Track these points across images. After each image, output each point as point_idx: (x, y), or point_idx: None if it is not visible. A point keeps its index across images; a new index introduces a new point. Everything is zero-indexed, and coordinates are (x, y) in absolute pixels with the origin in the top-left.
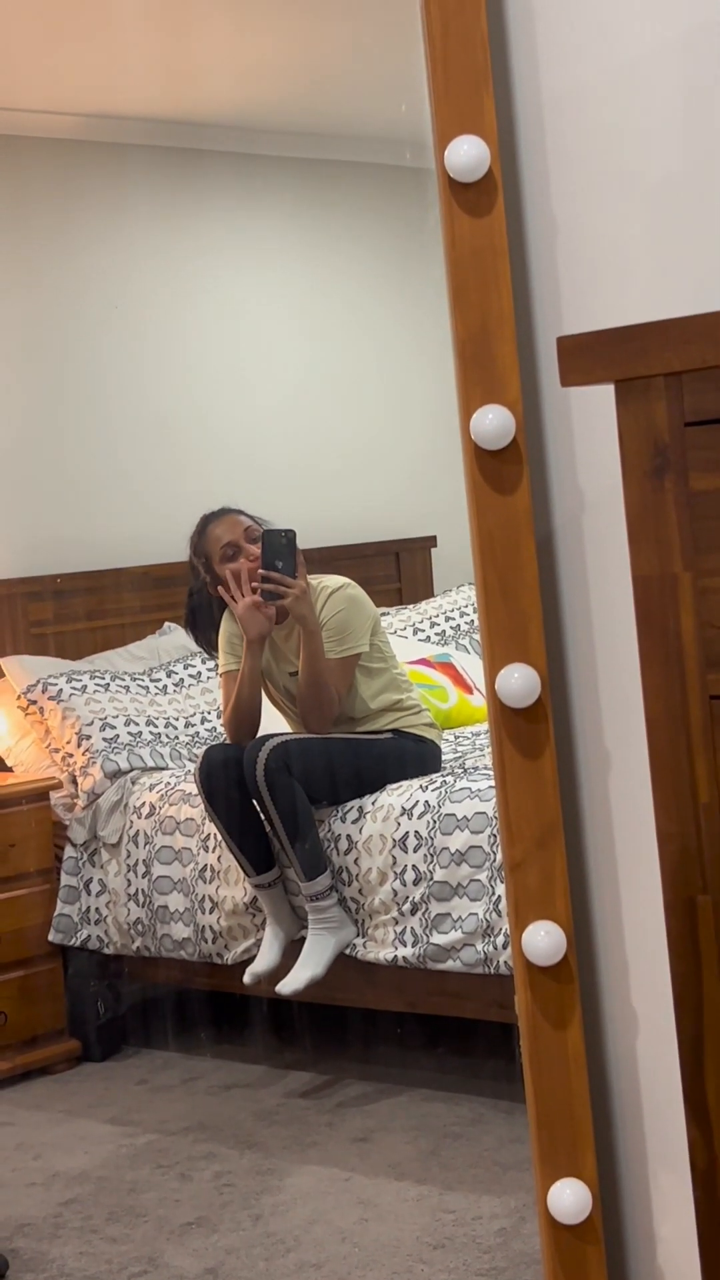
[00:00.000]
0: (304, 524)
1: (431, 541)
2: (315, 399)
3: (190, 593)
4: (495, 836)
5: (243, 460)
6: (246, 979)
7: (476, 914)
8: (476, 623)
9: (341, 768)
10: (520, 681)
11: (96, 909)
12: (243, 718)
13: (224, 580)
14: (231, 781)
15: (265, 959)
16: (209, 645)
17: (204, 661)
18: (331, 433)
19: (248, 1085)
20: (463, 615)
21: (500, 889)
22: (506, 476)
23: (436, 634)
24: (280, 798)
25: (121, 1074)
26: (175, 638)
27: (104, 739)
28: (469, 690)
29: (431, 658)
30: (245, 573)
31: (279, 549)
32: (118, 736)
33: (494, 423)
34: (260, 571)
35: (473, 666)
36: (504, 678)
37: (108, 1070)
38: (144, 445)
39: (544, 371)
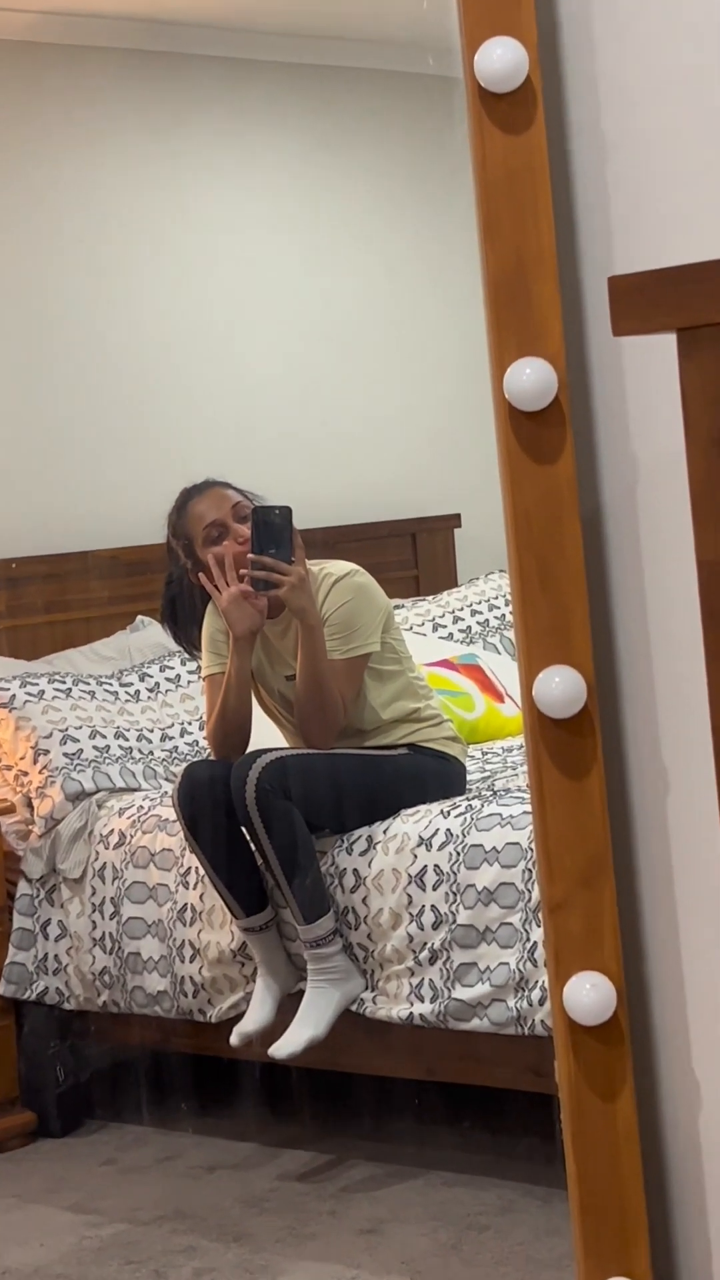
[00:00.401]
0: (304, 499)
1: (455, 520)
2: (318, 350)
3: (168, 581)
4: (531, 872)
5: (231, 424)
6: (234, 1040)
7: (508, 964)
8: (509, 617)
9: (347, 789)
10: (562, 687)
11: (55, 956)
12: (230, 730)
13: (207, 566)
14: (217, 805)
15: (256, 1016)
16: (190, 643)
17: (184, 663)
18: (337, 391)
19: (235, 1166)
20: (493, 608)
21: (537, 934)
22: (547, 442)
23: (461, 630)
24: (275, 825)
25: (84, 1152)
26: (150, 634)
27: (65, 754)
28: (499, 698)
29: (455, 659)
30: (231, 557)
31: (272, 529)
32: (81, 751)
33: (532, 379)
34: (250, 556)
35: (504, 669)
36: (543, 683)
37: (68, 1147)
38: (113, 406)
39: (591, 318)
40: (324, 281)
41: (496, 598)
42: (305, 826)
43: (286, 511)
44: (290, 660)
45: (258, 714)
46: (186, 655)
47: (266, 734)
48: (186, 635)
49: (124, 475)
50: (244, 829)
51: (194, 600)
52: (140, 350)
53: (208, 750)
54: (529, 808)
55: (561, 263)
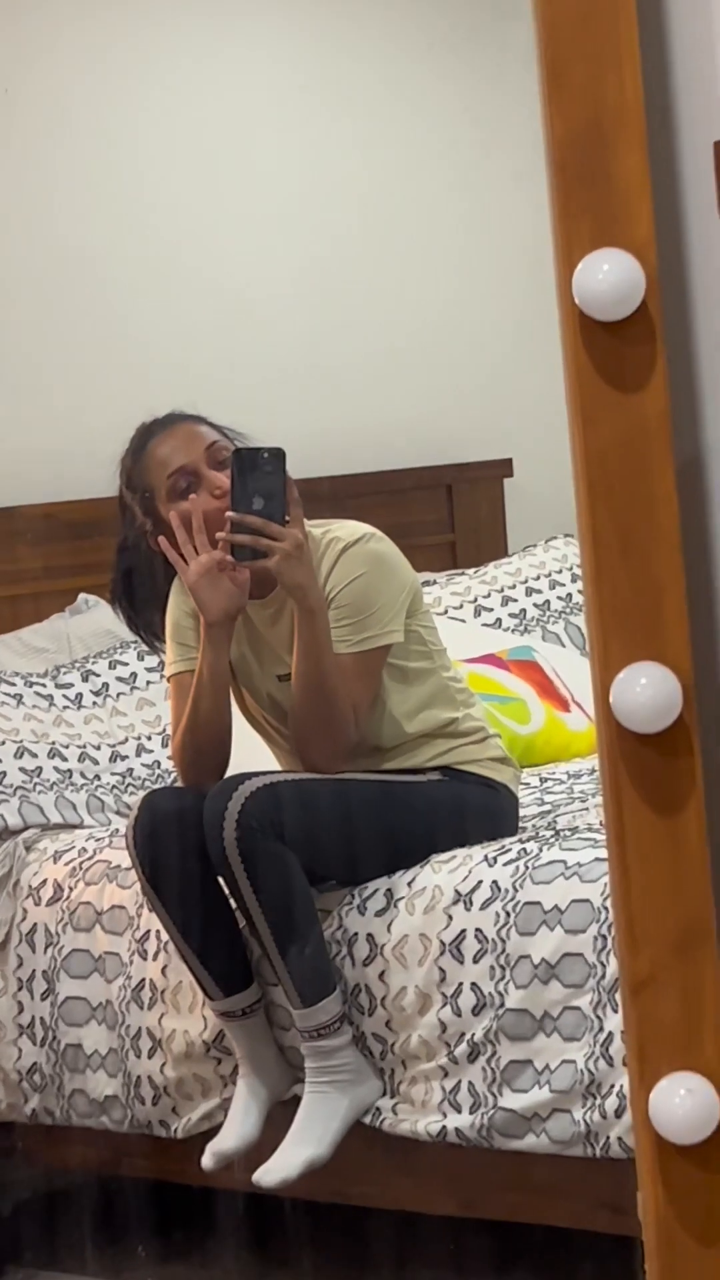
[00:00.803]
0: (304, 440)
1: (505, 468)
2: (322, 247)
3: (121, 548)
4: (606, 939)
5: (213, 344)
6: (207, 1162)
7: (574, 1062)
8: (578, 598)
9: (360, 828)
10: (650, 692)
11: None
12: (202, 746)
13: (171, 528)
14: (187, 848)
15: (237, 1131)
16: (150, 632)
17: (142, 657)
18: (350, 303)
19: None
20: (555, 586)
21: (614, 1022)
22: (630, 364)
23: (513, 616)
24: (262, 875)
25: None
26: (97, 617)
27: None
28: (564, 705)
29: (504, 654)
30: (203, 515)
31: (259, 478)
32: (3, 775)
33: (611, 278)
34: (229, 514)
35: (571, 667)
36: (624, 685)
37: None
38: (52, 320)
39: (690, 196)
40: (334, 154)
41: (560, 572)
42: (303, 877)
43: (278, 455)
44: (284, 655)
45: (241, 725)
46: (145, 647)
47: (254, 753)
48: (145, 621)
49: (69, 408)
50: (221, 880)
51: (156, 574)
52: (93, 248)
53: (173, 774)
54: (603, 853)
55: (651, 124)
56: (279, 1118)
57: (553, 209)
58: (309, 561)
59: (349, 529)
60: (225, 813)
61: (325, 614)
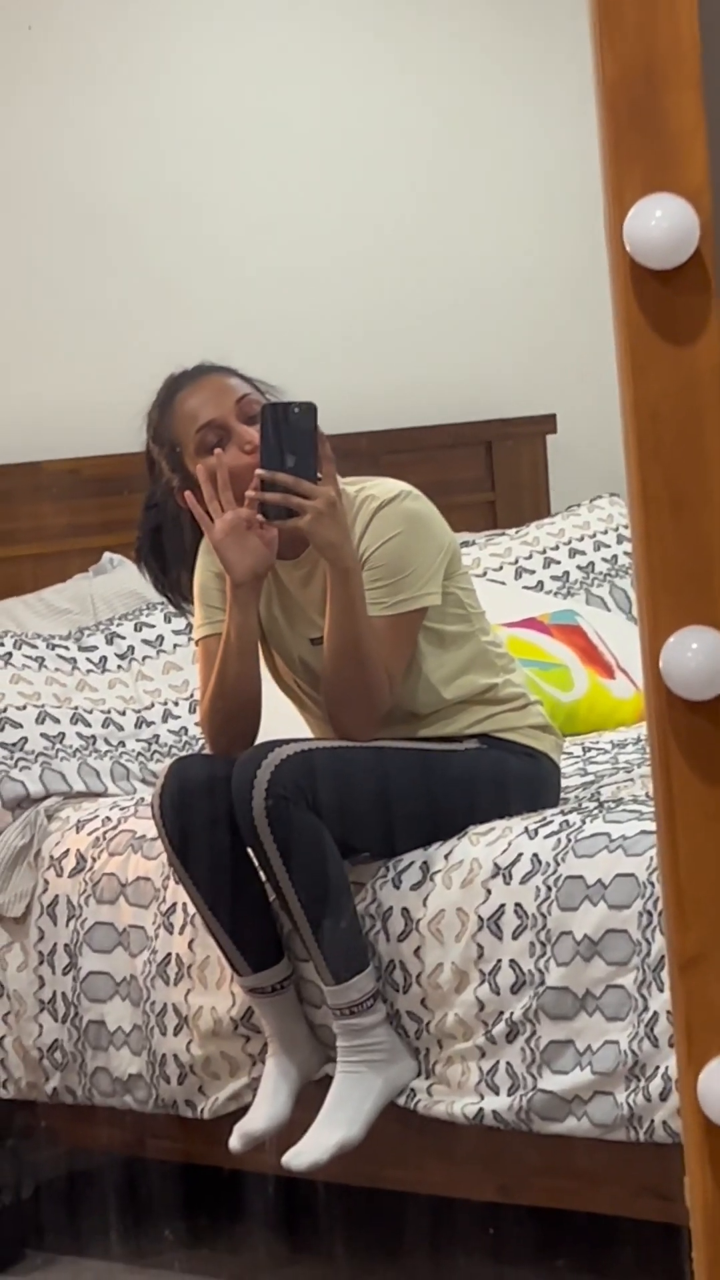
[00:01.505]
0: (339, 394)
1: (549, 424)
2: (363, 200)
3: (148, 505)
4: (653, 915)
5: (242, 295)
6: (234, 1143)
7: (617, 1043)
8: (626, 560)
9: (395, 798)
10: (701, 658)
11: None
12: (230, 712)
13: (198, 483)
14: (215, 818)
15: (266, 1112)
16: (178, 593)
17: (170, 619)
18: (387, 253)
19: None
20: (601, 547)
21: (660, 1002)
22: (683, 314)
23: (555, 578)
24: (293, 847)
25: None
26: (122, 578)
27: (2, 745)
28: (609, 672)
29: (547, 618)
30: (228, 471)
31: (290, 434)
32: (24, 741)
33: (664, 224)
34: (259, 471)
35: (617, 632)
36: (674, 650)
37: None
38: (82, 272)
39: None
40: (380, 125)
41: (606, 533)
42: (335, 849)
43: (309, 410)
44: (316, 617)
45: (272, 691)
46: (172, 609)
47: (286, 720)
48: (173, 581)
49: (98, 360)
50: (250, 851)
51: (184, 532)
52: (125, 206)
53: (201, 741)
54: (649, 826)
55: (707, 65)
56: (310, 1098)
57: (603, 153)
58: (343, 520)
59: (384, 487)
60: (255, 781)
61: (359, 574)
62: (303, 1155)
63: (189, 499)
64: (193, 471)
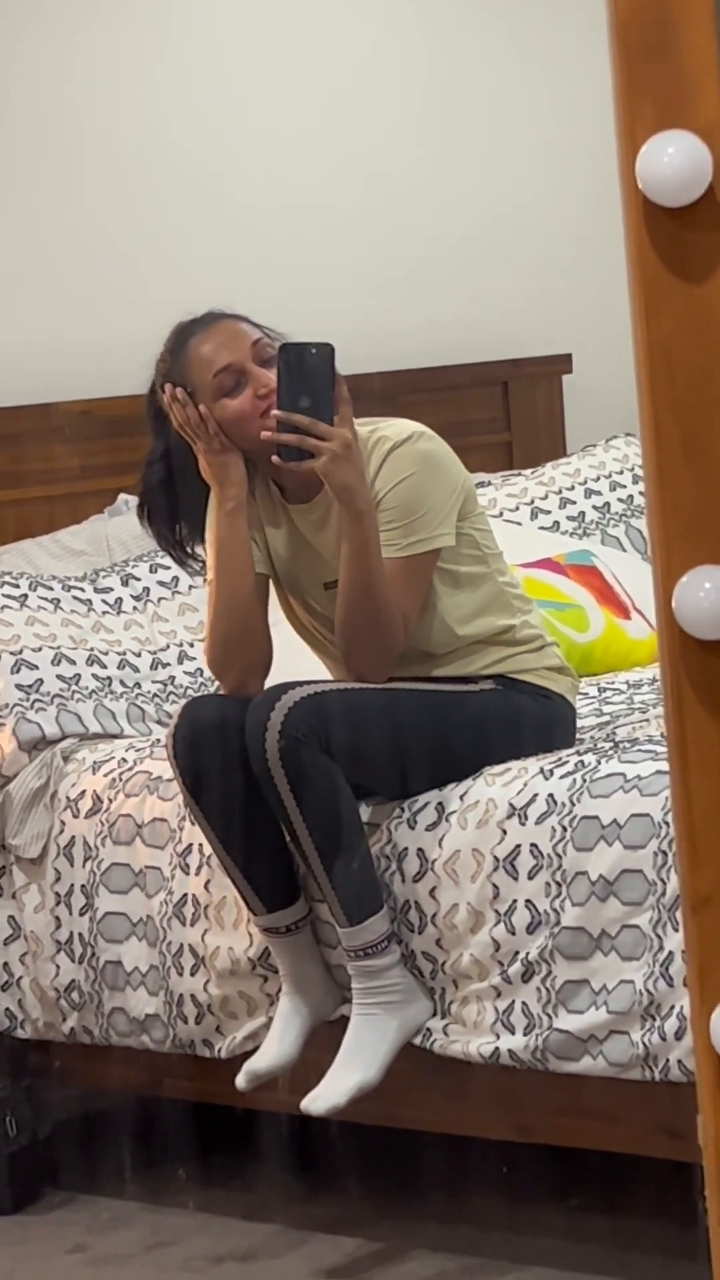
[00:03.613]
0: (354, 335)
1: (564, 364)
2: (376, 139)
3: (151, 460)
4: (668, 855)
5: (254, 235)
6: (241, 1082)
7: (632, 982)
8: (641, 500)
9: (410, 738)
10: (714, 598)
11: (4, 966)
12: (234, 642)
13: (209, 433)
14: (230, 758)
15: (275, 1051)
16: (183, 549)
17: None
18: (401, 192)
19: (251, 1256)
20: (616, 487)
21: (675, 941)
22: (696, 252)
23: (571, 519)
24: (306, 788)
25: (44, 1235)
26: (136, 520)
27: (17, 686)
28: (624, 612)
29: (562, 558)
30: (252, 408)
31: (306, 375)
32: (40, 682)
33: (677, 161)
34: (275, 413)
35: (632, 572)
36: (688, 590)
37: (20, 1229)
38: (96, 213)
39: None
40: (392, 61)
41: (621, 473)
42: (349, 790)
43: (326, 351)
44: (331, 561)
45: (292, 637)
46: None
47: (304, 666)
48: (179, 537)
49: (111, 301)
50: (264, 792)
51: (194, 480)
52: (138, 147)
53: (217, 683)
54: (665, 766)
55: None
56: (326, 1038)
57: (615, 90)
58: (358, 462)
59: (397, 427)
60: (268, 723)
61: (373, 516)
62: (321, 1099)
63: (178, 422)
64: (207, 417)
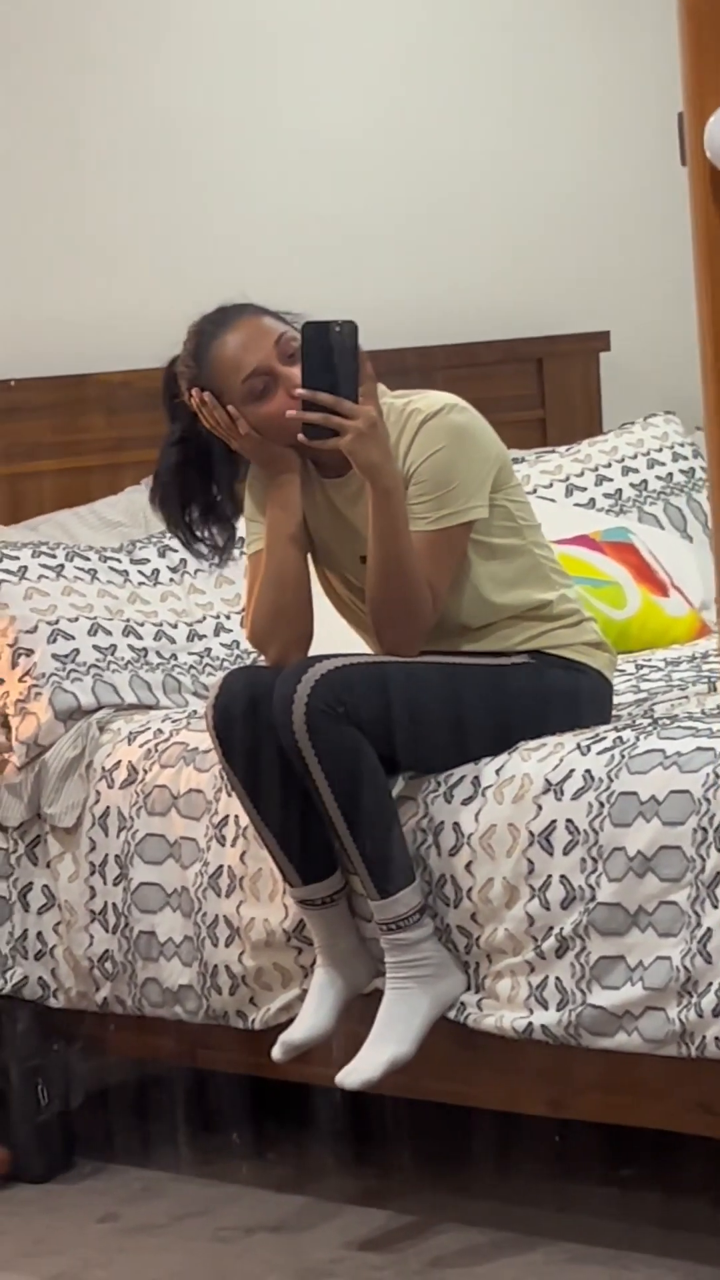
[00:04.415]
0: (385, 309)
1: (602, 341)
2: (416, 113)
3: (166, 444)
4: (707, 831)
5: (285, 206)
6: (277, 1054)
7: (669, 959)
8: (678, 477)
9: (443, 712)
10: None
11: (39, 935)
12: (281, 614)
13: (239, 433)
14: (268, 731)
15: (309, 1023)
16: (191, 532)
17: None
18: (438, 168)
19: (282, 1227)
20: (654, 464)
21: (712, 918)
22: None
23: (608, 496)
24: (332, 761)
25: (75, 1203)
26: None
27: (54, 656)
28: (662, 590)
29: (598, 535)
30: (270, 417)
31: (330, 354)
32: (77, 653)
33: None
34: (299, 391)
35: (670, 550)
36: None
37: (52, 1197)
38: (136, 186)
39: None
40: (440, 33)
41: (660, 450)
42: (377, 763)
43: (349, 329)
44: (366, 535)
45: (328, 611)
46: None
47: (341, 638)
48: (185, 519)
49: (150, 272)
50: (293, 765)
51: (216, 464)
52: (178, 118)
53: (254, 654)
54: (704, 743)
55: None
56: (362, 1011)
57: (683, 60)
58: (383, 440)
59: (430, 400)
60: (294, 695)
61: (400, 493)
62: (355, 1073)
63: (204, 412)
64: (236, 419)
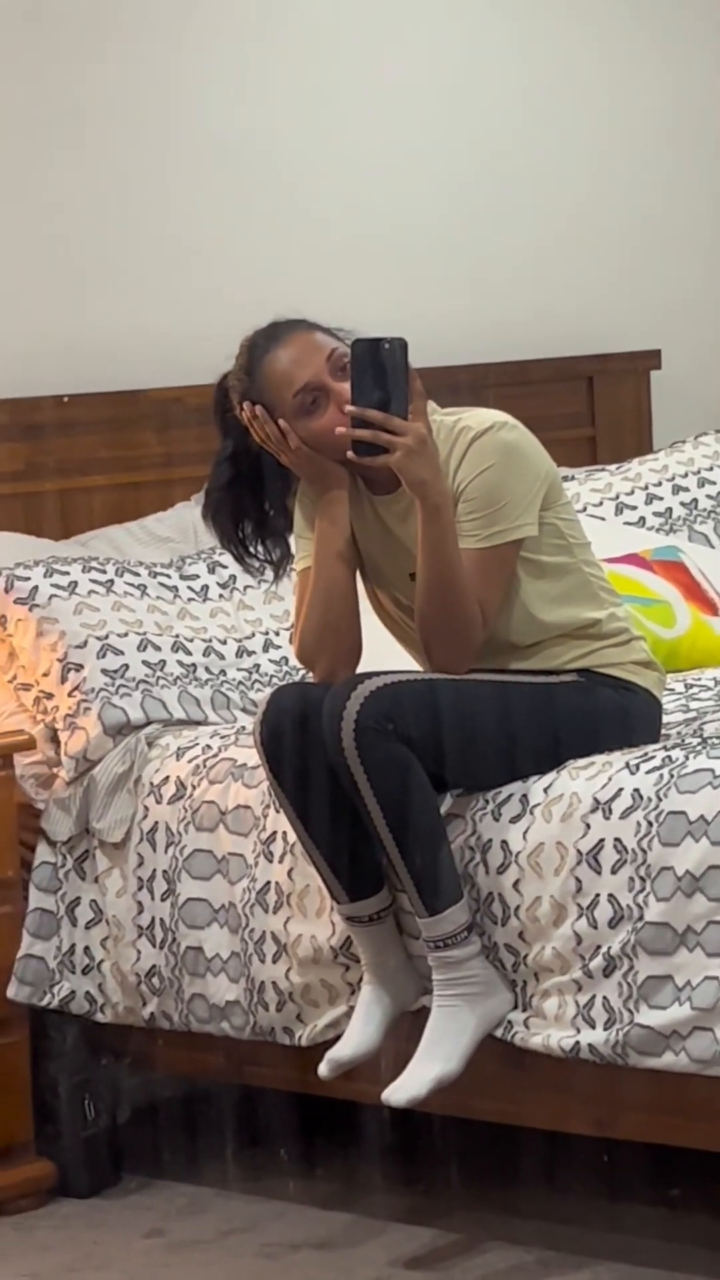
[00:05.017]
0: (436, 328)
1: (653, 359)
2: (467, 135)
3: (218, 460)
4: None
5: (339, 226)
6: (323, 1070)
7: (718, 979)
8: None
9: (491, 731)
10: None
11: (86, 949)
12: (328, 630)
13: (290, 447)
14: (316, 747)
15: (356, 1040)
16: (244, 547)
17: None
18: (489, 187)
19: (327, 1244)
20: (705, 483)
21: None
22: None
23: (658, 514)
24: (380, 778)
25: (121, 1219)
26: None
27: (104, 672)
28: (711, 608)
29: (648, 553)
30: (319, 433)
31: (380, 370)
32: (126, 668)
33: None
34: (349, 408)
35: None
36: None
37: (98, 1211)
38: (190, 204)
39: None
40: (487, 61)
41: (711, 469)
42: (425, 780)
43: (399, 345)
44: (416, 552)
45: (377, 629)
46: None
47: (390, 655)
48: (238, 535)
49: (200, 289)
50: (342, 781)
51: (267, 480)
52: (232, 136)
53: (302, 670)
54: None
55: None
56: (409, 1028)
57: None
58: (432, 457)
59: (480, 417)
60: (344, 711)
61: (449, 510)
62: (401, 1091)
63: (258, 428)
64: (287, 434)
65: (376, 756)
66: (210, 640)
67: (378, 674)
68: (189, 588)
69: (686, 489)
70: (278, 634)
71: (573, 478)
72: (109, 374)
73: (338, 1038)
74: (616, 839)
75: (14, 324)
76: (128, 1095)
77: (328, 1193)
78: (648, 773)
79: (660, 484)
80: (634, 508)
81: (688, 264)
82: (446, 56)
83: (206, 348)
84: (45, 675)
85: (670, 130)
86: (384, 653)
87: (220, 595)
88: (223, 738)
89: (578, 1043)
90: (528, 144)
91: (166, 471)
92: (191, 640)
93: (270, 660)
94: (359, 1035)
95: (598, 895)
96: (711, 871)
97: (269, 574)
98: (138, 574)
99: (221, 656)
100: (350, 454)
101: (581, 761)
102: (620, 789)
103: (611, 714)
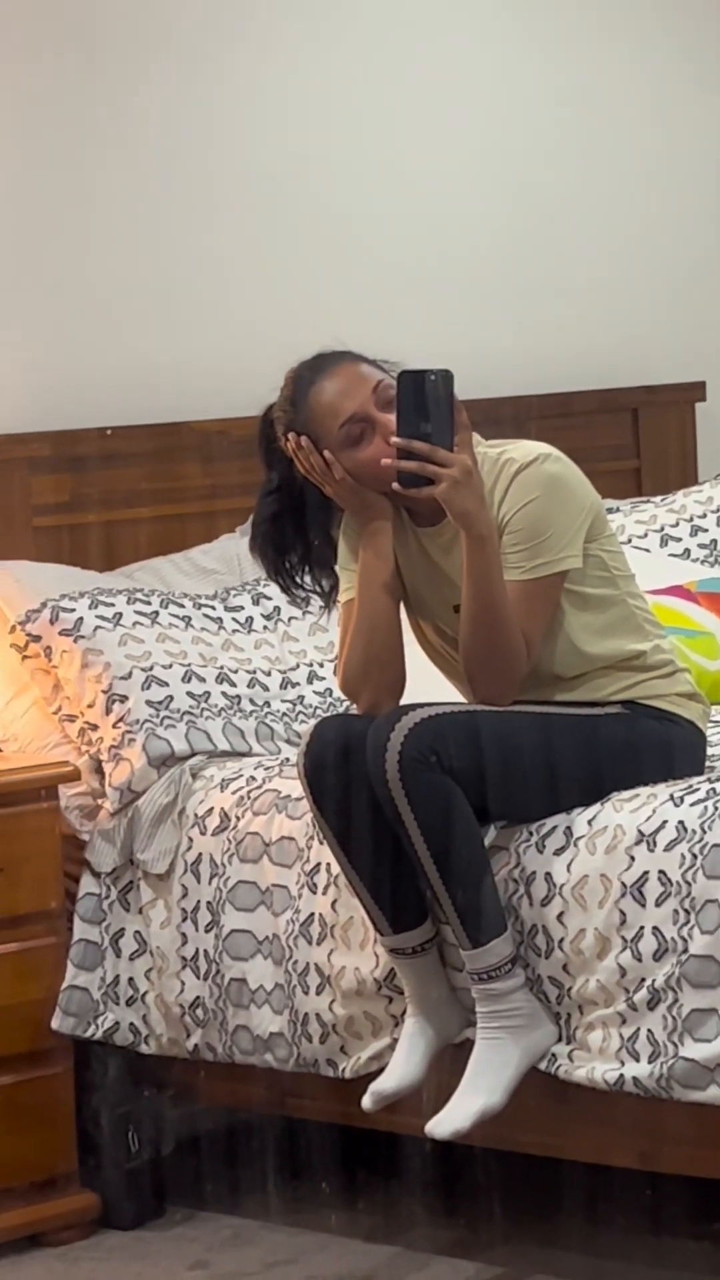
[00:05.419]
0: (483, 360)
1: (698, 391)
2: (515, 167)
3: (266, 492)
4: None
5: (388, 259)
6: (367, 1103)
7: None
8: None
9: (535, 763)
10: None
11: (130, 980)
12: (372, 662)
13: (335, 478)
14: (358, 778)
15: (400, 1073)
16: (291, 578)
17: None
18: (536, 220)
19: (370, 1277)
20: None
21: None
22: None
23: (702, 546)
24: (425, 809)
25: (165, 1250)
26: None
27: (148, 703)
28: None
29: (693, 585)
30: (367, 463)
31: (425, 402)
32: (170, 699)
33: None
34: (394, 440)
35: None
36: None
37: (142, 1244)
38: (234, 235)
39: None
40: (534, 92)
41: None
42: (469, 812)
43: (445, 377)
44: (460, 584)
45: (420, 659)
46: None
47: (434, 686)
48: (286, 567)
49: (244, 321)
50: (386, 813)
51: (312, 515)
52: (276, 167)
53: (346, 702)
54: None
55: None
56: (452, 1061)
57: None
58: (478, 488)
59: (524, 449)
60: (388, 743)
61: (494, 542)
62: (444, 1123)
63: (302, 458)
64: (333, 464)
65: (420, 788)
66: (255, 672)
67: (421, 706)
68: (234, 619)
69: None
70: (322, 665)
71: (618, 509)
72: (153, 406)
73: (381, 1070)
74: (661, 871)
75: (58, 356)
76: (171, 1127)
77: (371, 1225)
78: (692, 805)
79: (705, 515)
80: (679, 539)
81: None
82: (494, 90)
83: (251, 380)
84: (90, 706)
85: (717, 162)
86: (427, 684)
87: (265, 627)
88: (267, 769)
89: (622, 1076)
90: (574, 177)
91: (211, 503)
92: (236, 672)
93: (314, 692)
94: (403, 1068)
95: (642, 928)
96: None
97: (320, 604)
98: (182, 605)
99: (266, 688)
100: (395, 485)
101: (625, 793)
102: (664, 821)
103: (655, 746)
